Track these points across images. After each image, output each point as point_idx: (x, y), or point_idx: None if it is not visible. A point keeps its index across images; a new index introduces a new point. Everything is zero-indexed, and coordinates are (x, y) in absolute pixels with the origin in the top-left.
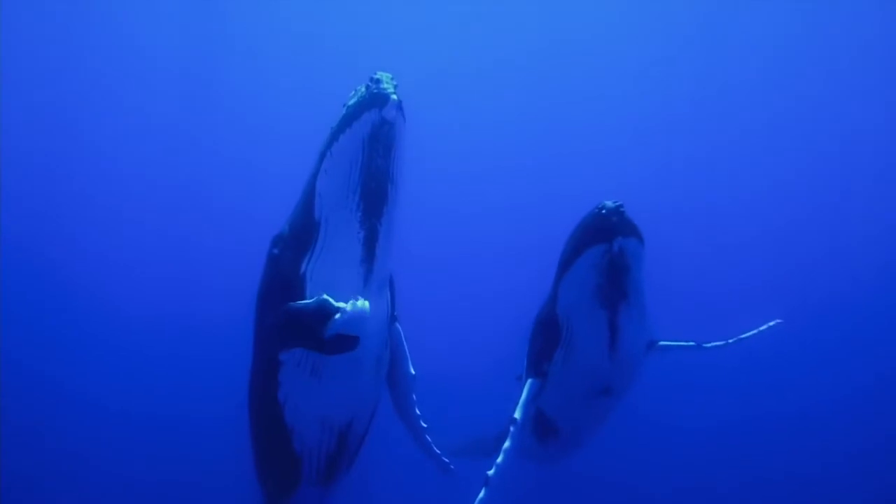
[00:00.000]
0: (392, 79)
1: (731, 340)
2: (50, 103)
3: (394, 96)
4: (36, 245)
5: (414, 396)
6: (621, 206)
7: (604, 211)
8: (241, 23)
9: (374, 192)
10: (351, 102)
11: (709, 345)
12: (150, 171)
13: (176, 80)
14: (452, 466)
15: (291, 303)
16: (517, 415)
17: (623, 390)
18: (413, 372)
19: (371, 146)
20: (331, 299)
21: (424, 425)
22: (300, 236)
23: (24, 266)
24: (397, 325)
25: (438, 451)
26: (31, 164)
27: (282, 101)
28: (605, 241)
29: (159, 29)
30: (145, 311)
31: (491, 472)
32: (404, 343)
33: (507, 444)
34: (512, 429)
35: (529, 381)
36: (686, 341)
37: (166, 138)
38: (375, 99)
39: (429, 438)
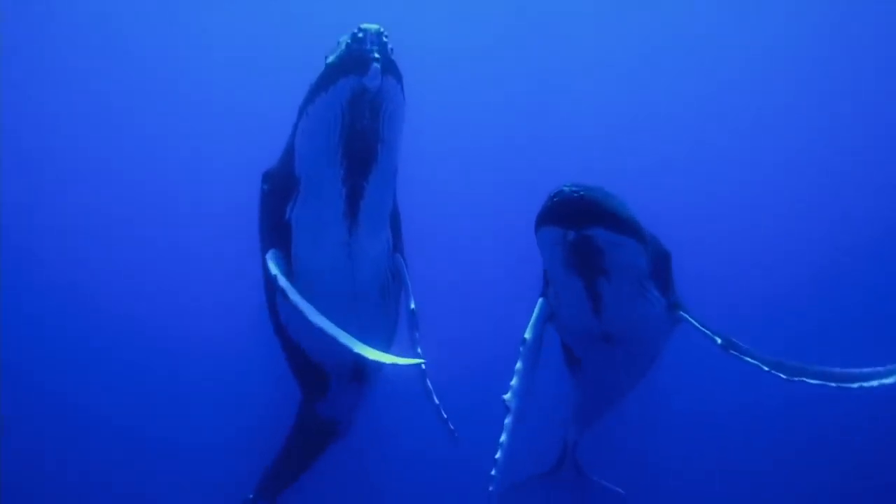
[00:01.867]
0: (381, 34)
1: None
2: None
3: (376, 63)
4: (35, 251)
5: (416, 334)
6: (578, 192)
7: (556, 199)
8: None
9: (360, 152)
10: (329, 60)
11: (748, 359)
12: (151, 173)
13: (176, 81)
14: (452, 426)
15: (271, 252)
16: (527, 335)
17: (630, 343)
18: (413, 307)
19: (353, 111)
20: (285, 285)
21: (423, 367)
22: (283, 185)
23: (22, 272)
24: (398, 255)
25: (437, 402)
26: (28, 170)
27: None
28: (559, 227)
29: (151, 30)
30: (146, 316)
31: (507, 396)
32: (406, 276)
33: (518, 364)
34: (521, 349)
35: (540, 300)
36: (714, 333)
37: (166, 140)
38: (354, 64)
39: (429, 384)
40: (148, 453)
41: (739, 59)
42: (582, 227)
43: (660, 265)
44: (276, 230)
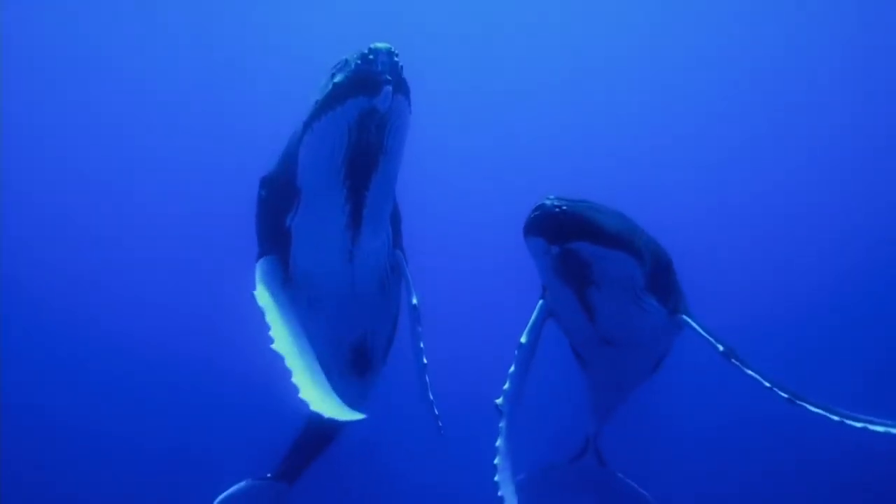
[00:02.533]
0: (392, 54)
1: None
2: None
3: (388, 86)
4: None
5: (419, 329)
6: (560, 207)
7: (536, 213)
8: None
9: (364, 165)
10: (337, 79)
11: (749, 371)
12: (146, 182)
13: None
14: (441, 423)
15: (263, 261)
16: (523, 339)
17: (630, 346)
18: (415, 303)
19: (360, 128)
20: (265, 304)
21: (425, 361)
22: (283, 193)
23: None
24: (398, 251)
25: (432, 398)
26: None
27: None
28: (542, 240)
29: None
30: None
31: (499, 401)
32: (407, 271)
33: (511, 368)
34: (517, 352)
35: (539, 302)
36: (715, 339)
37: (163, 146)
38: (364, 86)
39: (427, 379)
40: (163, 455)
41: (753, 65)
42: (565, 241)
43: (659, 275)
44: (274, 236)
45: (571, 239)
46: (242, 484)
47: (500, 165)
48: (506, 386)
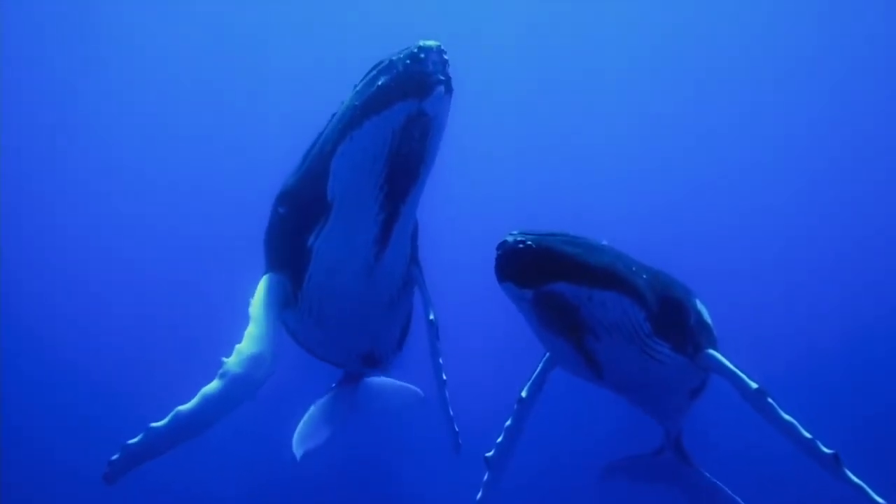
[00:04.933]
0: (442, 52)
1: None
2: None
3: (441, 87)
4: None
5: (437, 345)
6: (525, 242)
7: (500, 252)
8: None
9: (402, 175)
10: (383, 82)
11: (782, 415)
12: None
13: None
14: (460, 441)
15: (270, 279)
16: (524, 393)
17: (649, 391)
18: (432, 318)
19: (403, 135)
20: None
21: (444, 378)
22: (309, 210)
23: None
24: (415, 266)
25: (452, 413)
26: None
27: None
28: (513, 284)
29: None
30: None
31: (490, 454)
32: (424, 287)
33: (508, 422)
34: (516, 406)
35: (546, 355)
36: (746, 375)
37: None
38: (416, 87)
39: (446, 394)
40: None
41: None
42: (538, 283)
43: (670, 317)
44: (291, 255)
45: (545, 279)
46: (314, 406)
47: (522, 174)
48: (499, 439)
